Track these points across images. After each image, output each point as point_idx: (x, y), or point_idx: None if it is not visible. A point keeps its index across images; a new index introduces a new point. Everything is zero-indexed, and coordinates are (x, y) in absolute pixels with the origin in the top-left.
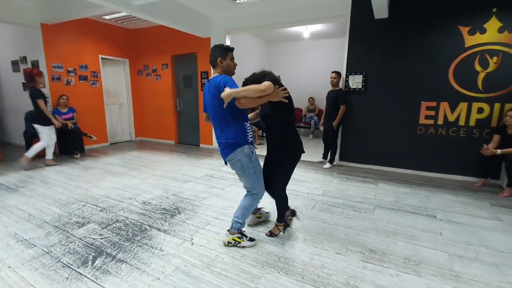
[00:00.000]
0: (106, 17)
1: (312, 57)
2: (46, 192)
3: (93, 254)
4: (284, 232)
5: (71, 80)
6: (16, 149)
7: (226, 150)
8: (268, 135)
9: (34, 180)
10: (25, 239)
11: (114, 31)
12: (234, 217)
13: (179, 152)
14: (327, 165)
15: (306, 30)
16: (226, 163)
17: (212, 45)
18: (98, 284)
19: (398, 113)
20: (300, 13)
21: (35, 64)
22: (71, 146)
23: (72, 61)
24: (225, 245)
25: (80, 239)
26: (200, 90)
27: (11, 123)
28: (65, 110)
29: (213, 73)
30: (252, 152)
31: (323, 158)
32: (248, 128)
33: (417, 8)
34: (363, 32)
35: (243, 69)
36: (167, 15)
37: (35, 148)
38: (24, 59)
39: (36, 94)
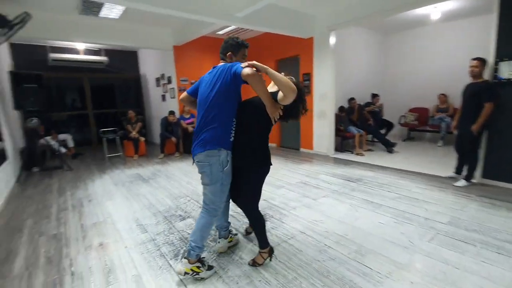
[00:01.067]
0: (219, 32)
1: (442, 44)
2: (166, 185)
3: (184, 248)
4: (270, 259)
5: None
6: (156, 147)
7: (200, 147)
8: (238, 139)
9: (161, 174)
10: (142, 225)
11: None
12: (190, 242)
13: (278, 156)
14: (461, 182)
15: (435, 10)
16: (193, 162)
17: (315, 45)
18: (181, 281)
19: None
20: None
21: (170, 79)
22: (190, 146)
23: (194, 74)
24: (180, 274)
25: (178, 231)
26: None
27: (154, 127)
28: (187, 116)
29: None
30: (228, 160)
31: (455, 172)
32: (233, 127)
33: None
34: None
35: (353, 68)
36: (269, 21)
37: None
38: (162, 76)
39: None
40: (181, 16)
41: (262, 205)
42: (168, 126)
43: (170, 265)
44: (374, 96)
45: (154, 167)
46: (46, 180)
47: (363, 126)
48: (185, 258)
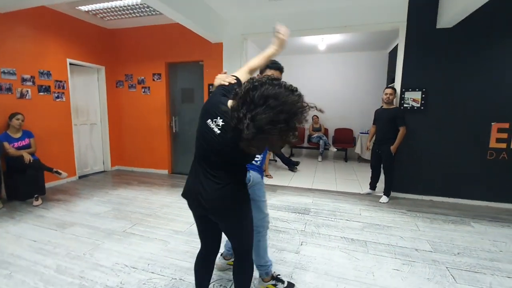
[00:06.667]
0: (81, 7)
1: (321, 72)
2: None
3: None
4: None
5: (27, 91)
6: None
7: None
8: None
9: None
10: None
11: (88, 29)
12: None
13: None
14: (384, 198)
15: (322, 42)
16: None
17: (225, 52)
18: None
19: (465, 135)
20: (343, 18)
21: None
22: (28, 187)
23: (29, 66)
24: None
25: None
26: None
27: None
28: (18, 135)
29: None
30: None
31: (370, 189)
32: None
33: (485, 16)
34: (421, 42)
35: None
36: (178, 3)
37: None
38: None
39: None
40: None
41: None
42: None
43: None
44: None
45: None
46: None
47: None
48: (259, 277)
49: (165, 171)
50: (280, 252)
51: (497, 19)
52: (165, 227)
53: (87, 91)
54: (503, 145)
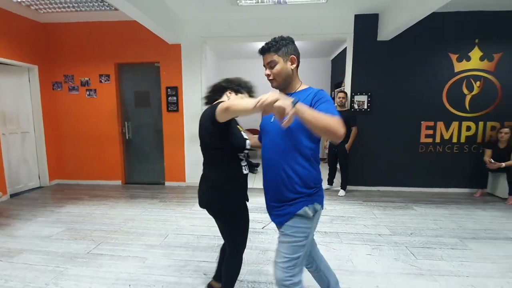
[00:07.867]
0: None
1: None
2: None
3: None
4: None
5: None
6: None
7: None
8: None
9: None
10: None
11: (17, 22)
12: None
13: (145, 197)
14: (342, 192)
15: None
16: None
17: (183, 54)
18: None
19: (401, 133)
20: (299, 27)
21: None
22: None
23: None
24: None
25: None
26: (166, 111)
27: None
28: None
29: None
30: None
31: (328, 184)
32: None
33: (415, 33)
34: (365, 52)
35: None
36: None
37: None
38: None
39: None
40: None
41: None
42: None
43: None
44: None
45: None
46: None
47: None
48: None
49: (118, 182)
50: (265, 253)
51: (424, 35)
52: (137, 243)
53: (17, 95)
54: (430, 140)
